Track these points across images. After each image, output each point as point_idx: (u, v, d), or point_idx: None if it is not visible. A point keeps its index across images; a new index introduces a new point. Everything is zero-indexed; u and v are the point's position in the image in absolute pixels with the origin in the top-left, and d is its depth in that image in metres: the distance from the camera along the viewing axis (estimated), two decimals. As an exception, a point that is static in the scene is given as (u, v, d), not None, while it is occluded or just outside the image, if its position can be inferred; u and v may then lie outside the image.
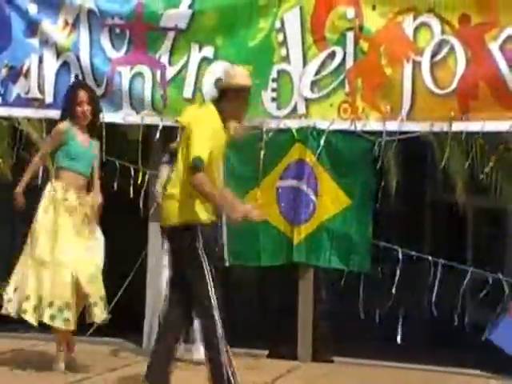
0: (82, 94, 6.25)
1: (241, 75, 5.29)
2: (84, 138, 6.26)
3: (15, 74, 7.60)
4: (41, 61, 7.54)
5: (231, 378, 4.93)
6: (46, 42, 7.54)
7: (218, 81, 5.52)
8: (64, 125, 6.21)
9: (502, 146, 6.65)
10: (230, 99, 5.17)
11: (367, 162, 7.01)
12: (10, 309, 5.93)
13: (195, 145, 4.97)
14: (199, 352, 6.44)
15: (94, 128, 6.33)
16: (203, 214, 5.03)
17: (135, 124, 7.37)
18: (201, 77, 7.23)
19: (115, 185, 7.20)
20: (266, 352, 7.39)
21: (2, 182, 7.56)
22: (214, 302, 5.00)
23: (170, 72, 7.31)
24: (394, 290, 6.89)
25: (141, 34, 7.35)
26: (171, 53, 7.30)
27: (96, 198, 6.19)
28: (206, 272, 4.99)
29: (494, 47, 6.57)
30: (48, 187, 6.13)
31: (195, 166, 4.91)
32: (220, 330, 4.98)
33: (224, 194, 5.10)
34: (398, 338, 6.86)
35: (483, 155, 6.64)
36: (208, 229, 5.06)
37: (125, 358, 6.83)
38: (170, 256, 5.61)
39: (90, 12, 7.44)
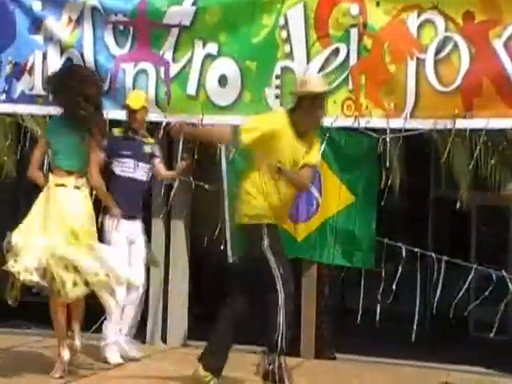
0: None
1: (314, 83, 5.30)
2: None
3: (19, 70, 7.62)
4: (45, 57, 7.56)
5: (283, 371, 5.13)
6: (50, 38, 7.56)
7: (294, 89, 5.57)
8: None
9: (505, 143, 6.64)
10: (303, 107, 5.20)
11: (371, 159, 7.00)
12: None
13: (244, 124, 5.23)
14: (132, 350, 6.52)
15: None
16: (266, 213, 5.18)
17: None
18: (204, 73, 7.23)
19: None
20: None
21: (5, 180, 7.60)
22: (281, 296, 5.08)
23: (174, 69, 7.31)
24: (394, 287, 6.90)
25: (144, 30, 7.36)
26: (175, 49, 7.31)
27: None
28: (273, 267, 5.10)
29: (498, 44, 6.54)
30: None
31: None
32: (282, 327, 5.09)
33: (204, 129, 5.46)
34: (413, 336, 6.84)
35: (487, 152, 6.62)
36: (273, 229, 5.19)
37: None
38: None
39: (94, 9, 7.45)
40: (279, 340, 5.09)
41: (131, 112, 6.63)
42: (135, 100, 6.67)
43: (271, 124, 5.18)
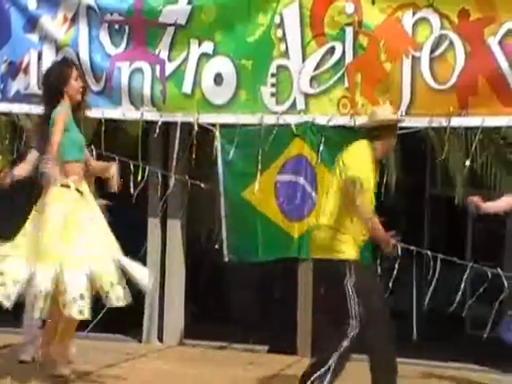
0: (76, 70, 5.82)
1: (389, 111, 5.42)
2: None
3: (15, 69, 7.62)
4: (40, 56, 7.56)
5: None
6: (45, 37, 7.56)
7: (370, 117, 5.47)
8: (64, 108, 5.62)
9: (501, 141, 6.66)
10: (384, 135, 5.25)
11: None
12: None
13: (354, 169, 5.06)
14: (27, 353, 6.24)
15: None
16: (353, 249, 5.09)
17: (135, 120, 7.38)
18: (200, 72, 7.23)
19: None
20: (267, 347, 7.42)
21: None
22: (351, 332, 4.98)
23: (170, 67, 7.31)
24: (391, 285, 6.90)
25: (140, 29, 7.36)
26: (170, 48, 7.30)
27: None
28: (352, 306, 4.99)
29: (493, 42, 6.54)
30: (57, 185, 5.52)
31: (357, 185, 4.97)
32: (335, 357, 4.98)
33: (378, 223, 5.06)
34: (409, 334, 6.84)
35: (482, 150, 6.64)
36: (360, 266, 5.07)
37: (124, 353, 6.83)
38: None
39: (89, 8, 7.46)
40: (330, 363, 4.98)
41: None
42: None
43: (370, 161, 5.20)
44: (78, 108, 5.71)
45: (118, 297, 5.46)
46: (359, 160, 5.16)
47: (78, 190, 5.55)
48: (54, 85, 5.67)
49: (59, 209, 5.46)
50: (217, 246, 7.20)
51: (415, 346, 7.25)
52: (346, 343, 4.96)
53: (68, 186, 5.52)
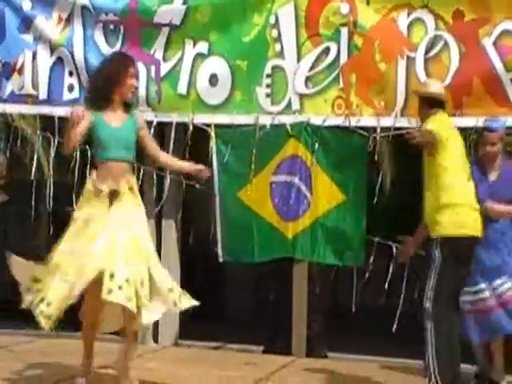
0: (134, 67, 5.45)
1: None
2: (116, 116, 5.36)
3: (9, 70, 7.62)
4: (34, 57, 7.56)
5: None
6: (39, 37, 7.56)
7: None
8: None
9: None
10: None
11: (361, 158, 7.00)
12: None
13: None
14: None
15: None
16: None
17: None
18: (195, 72, 7.24)
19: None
20: (261, 348, 7.42)
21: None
22: None
23: (165, 68, 7.32)
24: (386, 285, 6.91)
25: (135, 30, 7.36)
26: (165, 49, 7.31)
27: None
28: None
29: (487, 43, 6.57)
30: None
31: None
32: None
33: None
34: (393, 328, 6.85)
35: (476, 150, 6.64)
36: None
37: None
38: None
39: (84, 8, 7.46)
40: None
41: None
42: None
43: None
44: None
45: None
46: None
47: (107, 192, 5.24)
48: (108, 80, 5.33)
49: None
50: (216, 249, 7.20)
51: (410, 345, 7.26)
52: None
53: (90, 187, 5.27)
